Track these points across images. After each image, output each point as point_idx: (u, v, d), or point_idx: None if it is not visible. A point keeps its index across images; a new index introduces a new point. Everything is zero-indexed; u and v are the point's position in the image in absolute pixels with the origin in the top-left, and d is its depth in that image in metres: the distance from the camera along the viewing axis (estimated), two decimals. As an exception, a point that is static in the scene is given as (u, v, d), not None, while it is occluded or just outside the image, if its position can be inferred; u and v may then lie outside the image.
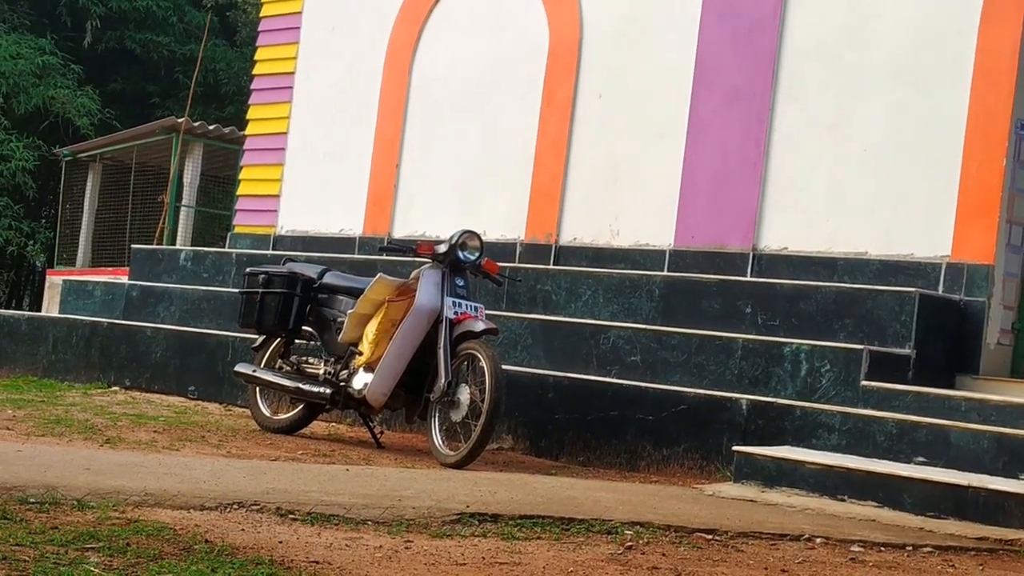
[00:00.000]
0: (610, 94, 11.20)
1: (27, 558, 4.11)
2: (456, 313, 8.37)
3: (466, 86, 12.26)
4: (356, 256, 12.15)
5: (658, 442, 8.53)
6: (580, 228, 11.23)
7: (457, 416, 8.20)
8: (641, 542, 5.64)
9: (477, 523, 5.72)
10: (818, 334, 8.82)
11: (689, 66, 10.65)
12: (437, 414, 8.33)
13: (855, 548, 5.97)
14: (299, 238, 13.35)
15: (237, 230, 14.17)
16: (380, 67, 12.96)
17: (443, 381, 8.18)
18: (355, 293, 8.86)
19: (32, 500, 5.13)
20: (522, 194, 11.63)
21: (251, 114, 14.39)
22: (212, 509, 5.42)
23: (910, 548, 6.10)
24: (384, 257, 10.91)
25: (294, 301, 9.12)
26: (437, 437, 8.29)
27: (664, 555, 5.40)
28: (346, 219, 13.01)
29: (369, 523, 5.50)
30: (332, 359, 9.01)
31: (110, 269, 18.78)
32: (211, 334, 11.23)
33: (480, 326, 8.29)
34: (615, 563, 5.12)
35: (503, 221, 11.67)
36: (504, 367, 8.24)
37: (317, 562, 4.57)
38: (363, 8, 13.27)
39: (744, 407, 8.30)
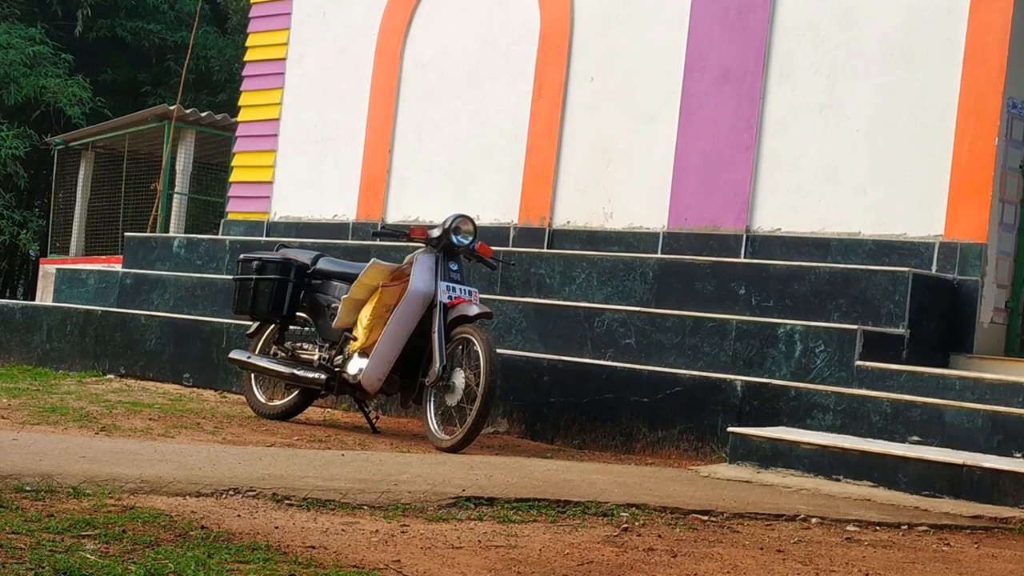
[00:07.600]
0: (602, 77, 11.19)
1: (23, 546, 4.11)
2: (450, 297, 8.37)
3: (458, 70, 12.24)
4: (350, 241, 12.14)
5: (653, 424, 8.54)
6: (573, 211, 11.23)
7: (452, 400, 8.21)
8: (637, 524, 5.65)
9: (473, 507, 5.73)
10: (812, 315, 8.83)
11: (681, 48, 10.64)
12: (432, 399, 8.34)
13: (850, 528, 5.99)
14: (292, 224, 13.34)
15: (230, 217, 14.16)
16: (372, 52, 12.93)
17: (438, 365, 8.18)
18: (349, 278, 8.85)
19: (28, 488, 5.13)
20: (515, 178, 11.62)
21: (243, 100, 14.37)
22: (208, 495, 5.43)
23: (905, 527, 6.11)
24: (378, 242, 10.91)
25: (288, 287, 9.13)
26: (432, 421, 8.30)
27: (660, 536, 5.41)
28: (339, 205, 13.00)
29: (365, 508, 5.51)
30: (327, 345, 9.01)
31: (103, 257, 18.75)
32: (205, 321, 11.23)
33: (474, 310, 8.29)
34: (611, 545, 5.13)
35: (496, 205, 11.66)
36: (499, 351, 8.26)
37: (313, 547, 4.58)
38: (354, -7, 13.26)
39: (739, 388, 8.31)
